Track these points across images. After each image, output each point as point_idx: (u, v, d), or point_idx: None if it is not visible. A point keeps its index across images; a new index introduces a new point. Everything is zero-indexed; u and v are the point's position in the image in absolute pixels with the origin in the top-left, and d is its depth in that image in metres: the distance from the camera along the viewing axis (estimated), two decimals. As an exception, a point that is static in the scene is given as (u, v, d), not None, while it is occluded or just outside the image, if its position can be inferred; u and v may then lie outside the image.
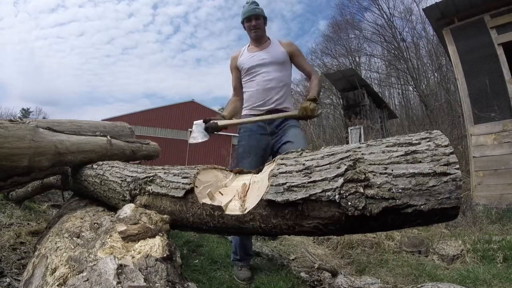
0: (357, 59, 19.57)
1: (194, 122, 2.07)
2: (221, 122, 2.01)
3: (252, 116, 2.11)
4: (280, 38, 2.28)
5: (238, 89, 2.28)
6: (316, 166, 0.77)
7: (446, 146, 0.67)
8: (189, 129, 2.06)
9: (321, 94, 2.21)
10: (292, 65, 2.24)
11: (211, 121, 2.00)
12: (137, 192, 1.20)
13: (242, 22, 2.22)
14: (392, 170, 0.67)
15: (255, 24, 2.14)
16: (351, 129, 9.74)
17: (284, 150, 1.91)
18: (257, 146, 2.08)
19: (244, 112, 2.21)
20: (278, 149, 2.03)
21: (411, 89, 16.42)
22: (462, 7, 5.09)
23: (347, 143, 8.90)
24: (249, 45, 2.27)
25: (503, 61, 4.66)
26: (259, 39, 2.19)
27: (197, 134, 2.02)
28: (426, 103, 13.79)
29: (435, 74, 15.36)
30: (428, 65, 16.28)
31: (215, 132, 2.03)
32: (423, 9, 6.13)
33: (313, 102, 1.93)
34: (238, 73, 2.26)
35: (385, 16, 16.80)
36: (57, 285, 0.72)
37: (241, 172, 1.15)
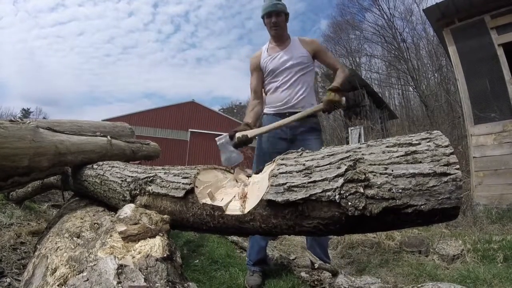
0: (358, 60, 19.59)
1: (217, 139, 1.82)
2: (251, 133, 1.76)
3: (274, 116, 2.04)
4: (301, 36, 2.19)
5: (259, 92, 2.15)
6: (316, 166, 0.77)
7: (446, 146, 0.67)
8: (218, 142, 1.81)
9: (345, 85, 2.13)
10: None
11: (239, 134, 1.75)
12: (137, 192, 1.20)
13: (263, 17, 2.09)
14: (392, 170, 0.67)
15: (275, 21, 2.02)
16: (351, 130, 9.75)
17: None
18: (274, 149, 1.97)
19: (265, 110, 2.13)
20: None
21: (411, 89, 16.44)
22: (462, 7, 5.09)
23: (347, 143, 8.90)
24: (269, 44, 2.17)
25: (503, 62, 4.65)
26: (279, 37, 2.09)
27: (228, 154, 1.79)
28: (426, 103, 13.80)
29: (435, 74, 15.37)
30: (428, 65, 16.30)
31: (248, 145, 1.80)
32: (423, 10, 6.13)
33: (336, 93, 1.82)
34: (260, 74, 2.14)
35: (385, 16, 16.82)
36: (58, 285, 0.72)
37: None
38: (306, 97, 2.04)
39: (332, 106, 1.82)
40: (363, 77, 13.95)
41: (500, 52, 4.69)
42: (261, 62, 2.13)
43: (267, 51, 2.14)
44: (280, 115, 2.01)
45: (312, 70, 2.14)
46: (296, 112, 1.92)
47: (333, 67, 2.12)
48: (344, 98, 1.86)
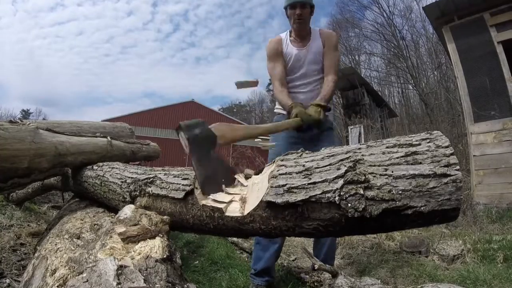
0: (357, 58, 19.59)
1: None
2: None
3: (284, 116, 1.91)
4: (323, 28, 2.05)
5: (284, 78, 1.93)
6: (316, 168, 0.77)
7: (446, 147, 0.67)
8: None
9: (331, 103, 1.87)
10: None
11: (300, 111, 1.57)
12: (137, 193, 1.20)
13: (285, 8, 1.91)
14: (392, 172, 0.67)
15: (299, 13, 1.84)
16: (351, 128, 9.74)
17: None
18: (288, 148, 1.85)
19: (279, 110, 2.02)
20: None
21: (411, 87, 16.44)
22: (461, 5, 5.09)
23: (347, 142, 8.91)
24: (290, 35, 2.00)
25: (502, 59, 4.65)
26: (302, 31, 1.93)
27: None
28: (426, 101, 13.80)
29: (435, 72, 15.38)
30: (427, 63, 16.32)
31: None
32: (422, 8, 6.14)
33: (320, 109, 1.63)
34: (283, 61, 1.95)
35: (385, 14, 16.81)
36: (57, 286, 0.72)
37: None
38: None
39: (310, 123, 1.57)
40: (362, 75, 13.94)
41: (500, 49, 4.69)
42: (283, 50, 1.95)
43: (290, 42, 1.98)
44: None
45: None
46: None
47: (325, 68, 1.91)
48: (323, 115, 1.67)
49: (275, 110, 2.08)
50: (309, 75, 1.94)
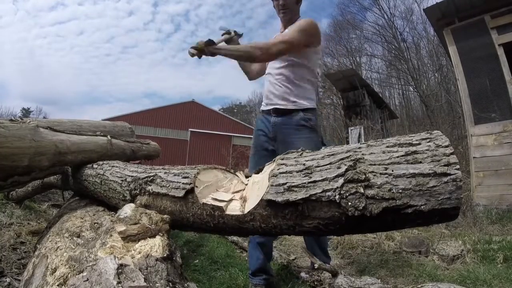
0: (358, 59, 19.59)
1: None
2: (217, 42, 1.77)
3: (260, 110, 1.95)
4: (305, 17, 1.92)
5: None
6: (316, 166, 0.77)
7: (446, 146, 0.67)
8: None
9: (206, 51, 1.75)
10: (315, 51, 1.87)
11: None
12: (138, 192, 1.20)
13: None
14: (393, 171, 0.67)
15: (283, 3, 1.81)
16: (352, 129, 9.74)
17: None
18: (259, 147, 1.89)
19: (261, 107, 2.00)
20: (275, 152, 1.80)
21: (411, 89, 16.46)
22: (462, 7, 5.09)
23: (347, 143, 8.90)
24: (280, 28, 1.97)
25: (503, 62, 4.65)
26: (288, 21, 1.87)
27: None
28: (426, 103, 13.80)
29: (436, 74, 15.39)
30: (428, 65, 16.32)
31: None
32: (423, 10, 6.14)
33: (207, 45, 1.69)
34: None
35: (385, 16, 16.83)
36: (57, 285, 0.72)
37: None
38: (289, 90, 1.81)
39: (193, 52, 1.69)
40: (363, 76, 13.95)
41: (500, 52, 4.69)
42: None
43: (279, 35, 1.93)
44: (264, 112, 1.92)
45: (307, 58, 1.84)
46: (276, 108, 1.82)
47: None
48: (197, 55, 1.72)
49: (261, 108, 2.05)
50: (279, 66, 1.85)
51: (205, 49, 1.71)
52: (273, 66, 1.90)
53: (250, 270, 1.90)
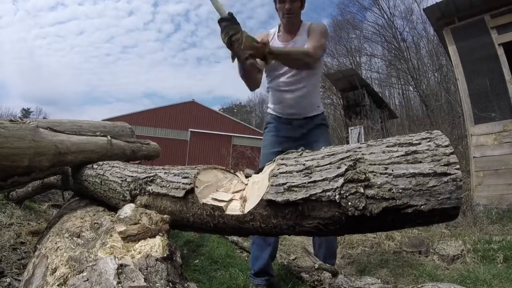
0: (358, 59, 19.57)
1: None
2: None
3: (276, 117, 1.96)
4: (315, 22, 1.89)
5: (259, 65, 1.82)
6: (316, 166, 0.77)
7: (446, 146, 0.67)
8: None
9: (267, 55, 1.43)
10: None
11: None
12: (138, 192, 1.20)
13: (275, 1, 1.83)
14: (393, 170, 0.67)
15: (289, 7, 1.76)
16: (351, 129, 9.74)
17: None
18: (280, 149, 1.80)
19: (270, 110, 2.01)
20: None
21: (411, 89, 16.45)
22: (462, 7, 5.09)
23: (347, 143, 8.90)
24: (279, 30, 1.93)
25: (503, 61, 4.65)
26: (291, 26, 1.85)
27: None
28: (426, 103, 13.79)
29: (436, 74, 15.37)
30: (428, 65, 16.30)
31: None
32: (423, 9, 6.14)
33: (264, 47, 1.42)
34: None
35: (385, 16, 16.82)
36: (58, 285, 0.72)
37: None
38: (310, 101, 1.89)
39: (250, 52, 1.39)
40: (363, 76, 13.94)
41: (500, 51, 4.69)
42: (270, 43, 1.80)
43: (277, 37, 1.91)
44: (287, 122, 1.92)
45: (318, 65, 1.89)
46: (301, 119, 1.88)
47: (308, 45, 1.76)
48: (270, 62, 1.52)
49: (268, 110, 2.07)
50: (295, 74, 1.84)
51: (263, 51, 1.42)
52: (286, 75, 1.85)
53: (252, 270, 1.89)
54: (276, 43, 1.88)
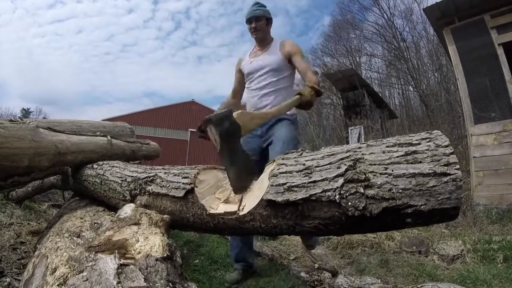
0: (358, 59, 19.54)
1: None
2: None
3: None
4: (286, 39, 2.15)
5: (238, 92, 2.28)
6: (316, 166, 0.77)
7: (446, 146, 0.67)
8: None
9: (321, 89, 1.71)
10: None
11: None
12: (138, 192, 1.21)
13: (247, 23, 2.17)
14: (393, 170, 0.67)
15: (254, 26, 2.10)
16: (351, 129, 9.74)
17: (270, 150, 1.90)
18: (248, 149, 1.91)
19: None
20: (265, 149, 1.98)
21: (411, 89, 16.41)
22: (462, 7, 5.09)
23: (347, 143, 8.90)
24: (253, 48, 2.23)
25: (503, 61, 4.65)
26: (260, 41, 2.16)
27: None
28: (426, 103, 13.77)
29: (436, 74, 15.36)
30: (428, 65, 16.27)
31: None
32: (423, 9, 6.13)
33: (314, 92, 1.62)
34: (241, 76, 2.22)
35: (385, 16, 16.80)
36: (57, 285, 0.72)
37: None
38: (280, 101, 1.96)
39: (306, 105, 1.58)
40: (363, 76, 13.93)
41: (500, 51, 4.69)
42: (242, 64, 2.20)
43: (249, 54, 2.21)
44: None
45: (288, 75, 2.09)
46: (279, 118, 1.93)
47: (301, 70, 1.97)
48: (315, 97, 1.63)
49: None
50: (261, 80, 2.06)
51: (312, 100, 1.57)
52: (261, 78, 2.07)
53: (232, 257, 2.15)
54: (246, 60, 2.17)
